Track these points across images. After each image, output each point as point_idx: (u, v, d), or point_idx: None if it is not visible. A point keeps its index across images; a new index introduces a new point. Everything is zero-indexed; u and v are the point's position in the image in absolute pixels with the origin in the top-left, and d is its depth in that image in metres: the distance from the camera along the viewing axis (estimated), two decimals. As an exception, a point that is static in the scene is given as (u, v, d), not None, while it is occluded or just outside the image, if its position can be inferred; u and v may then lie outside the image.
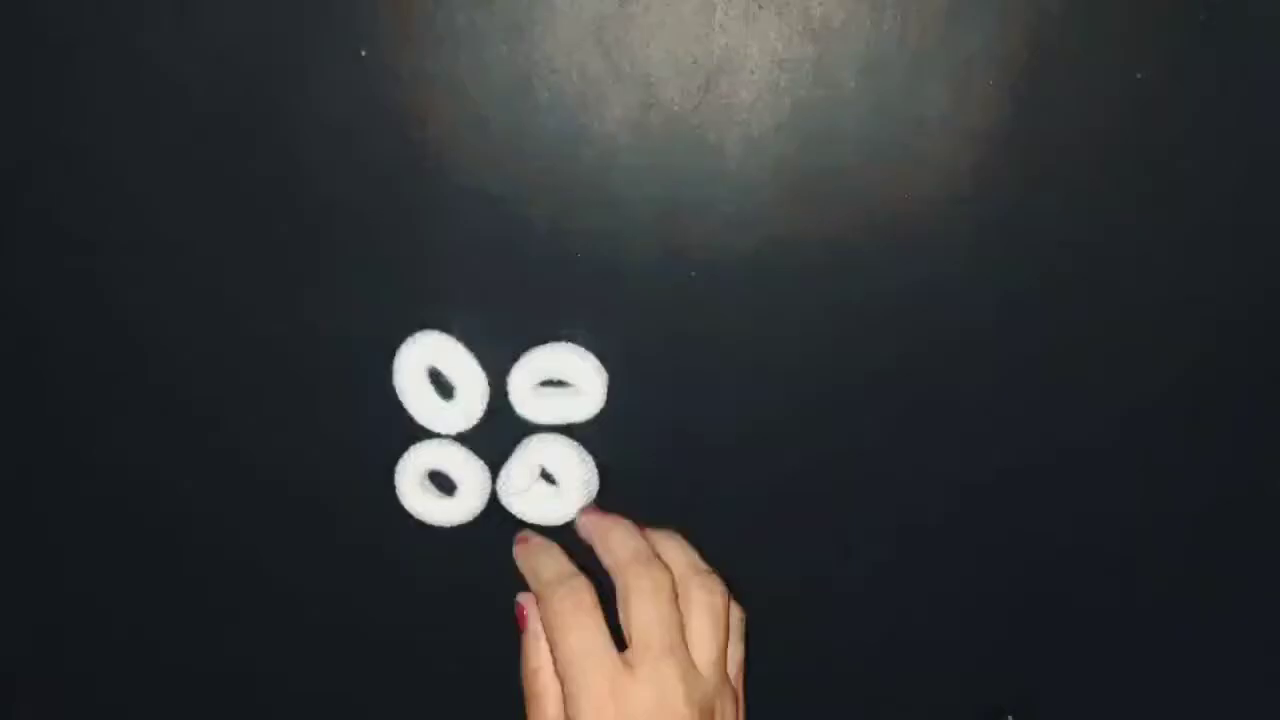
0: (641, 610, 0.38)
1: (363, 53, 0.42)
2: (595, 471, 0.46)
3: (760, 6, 0.41)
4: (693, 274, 0.44)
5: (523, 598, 0.41)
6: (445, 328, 0.45)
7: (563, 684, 0.38)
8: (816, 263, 0.44)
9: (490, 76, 0.42)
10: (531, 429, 0.46)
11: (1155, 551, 0.49)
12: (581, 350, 0.45)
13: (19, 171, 0.45)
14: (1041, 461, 0.48)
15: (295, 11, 0.42)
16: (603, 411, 0.45)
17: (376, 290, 0.45)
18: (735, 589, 0.42)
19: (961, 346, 0.45)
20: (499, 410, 0.46)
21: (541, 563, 0.41)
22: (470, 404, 0.46)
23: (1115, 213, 0.44)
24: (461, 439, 0.46)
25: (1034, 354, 0.46)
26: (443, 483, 0.48)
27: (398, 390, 0.46)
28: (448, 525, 0.48)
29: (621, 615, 0.38)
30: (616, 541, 0.40)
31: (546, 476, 0.46)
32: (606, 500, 0.48)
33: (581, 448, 0.46)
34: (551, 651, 0.38)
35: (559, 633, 0.38)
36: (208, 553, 0.51)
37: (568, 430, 0.46)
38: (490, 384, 0.46)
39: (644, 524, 0.43)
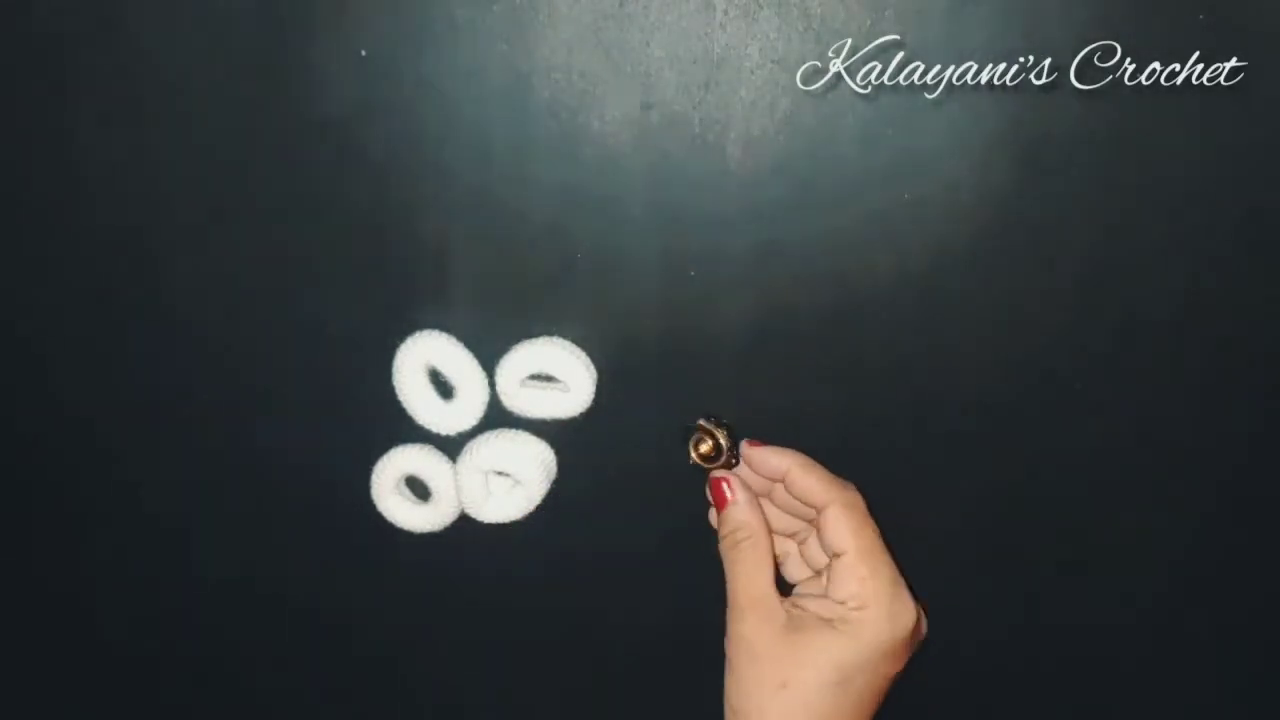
0: (866, 526, 0.41)
1: (363, 53, 0.42)
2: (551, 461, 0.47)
3: (760, 6, 0.41)
4: (692, 273, 0.44)
5: (719, 474, 0.44)
6: (445, 328, 0.45)
7: (851, 559, 0.40)
8: (816, 263, 0.44)
9: (490, 76, 0.42)
10: (525, 426, 0.46)
11: (1159, 555, 0.49)
12: (570, 346, 0.45)
13: (18, 171, 0.45)
14: (1042, 463, 0.48)
15: (296, 11, 0.42)
16: (602, 410, 0.45)
17: (376, 290, 0.45)
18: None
19: (961, 346, 0.45)
20: (498, 411, 0.46)
21: (816, 466, 0.43)
22: (470, 404, 0.46)
23: (1116, 211, 0.44)
24: (458, 440, 0.46)
25: (1035, 355, 0.46)
26: (419, 489, 0.48)
27: (398, 390, 0.46)
28: (419, 531, 0.48)
29: (837, 527, 0.41)
30: (806, 463, 0.42)
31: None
32: (600, 496, 0.48)
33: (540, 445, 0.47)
34: (844, 531, 0.41)
35: (863, 522, 0.41)
36: (197, 551, 0.51)
37: (557, 426, 0.46)
38: (489, 384, 0.46)
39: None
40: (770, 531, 0.43)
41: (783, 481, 0.43)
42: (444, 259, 0.45)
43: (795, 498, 0.43)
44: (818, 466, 0.42)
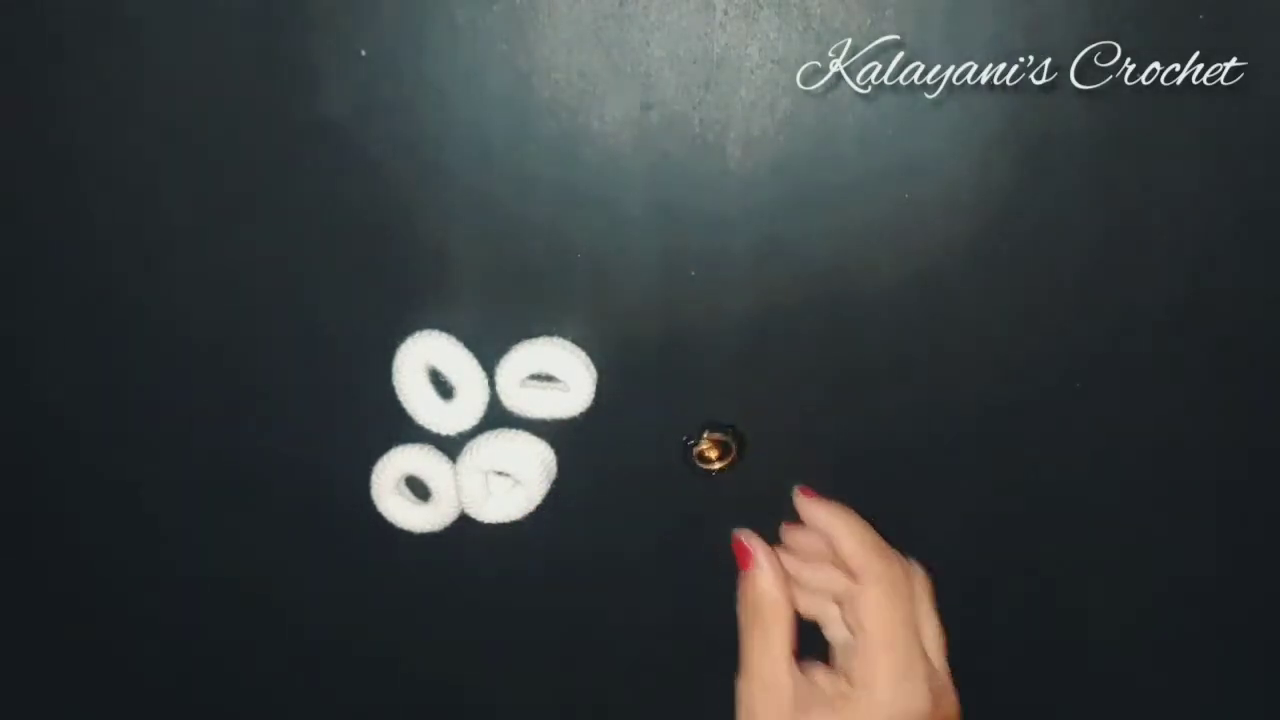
0: (899, 607, 0.40)
1: (363, 53, 0.42)
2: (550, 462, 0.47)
3: (760, 6, 0.41)
4: (692, 273, 0.44)
5: (743, 534, 0.43)
6: (445, 328, 0.45)
7: (868, 637, 0.40)
8: (816, 263, 0.44)
9: (490, 76, 0.42)
10: (525, 426, 0.46)
11: (1159, 555, 0.49)
12: (570, 346, 0.45)
13: (18, 171, 0.45)
14: (1042, 463, 0.48)
15: (295, 11, 0.42)
16: (602, 410, 0.45)
17: (376, 290, 0.45)
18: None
19: (961, 346, 0.45)
20: (498, 411, 0.46)
21: (864, 530, 0.42)
22: (470, 404, 0.46)
23: (1116, 211, 0.44)
24: (458, 439, 0.46)
25: (1035, 355, 0.46)
26: (419, 489, 0.48)
27: (398, 390, 0.46)
28: (419, 531, 0.48)
29: (865, 605, 0.40)
30: (852, 527, 0.42)
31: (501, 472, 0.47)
32: (600, 496, 0.48)
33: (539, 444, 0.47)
34: (870, 610, 0.40)
35: (895, 602, 0.40)
36: (197, 551, 0.51)
37: (557, 426, 0.46)
38: (490, 384, 0.46)
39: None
40: (794, 606, 0.42)
41: (826, 538, 0.42)
42: (444, 259, 0.45)
43: (840, 557, 0.42)
44: (866, 530, 0.42)
